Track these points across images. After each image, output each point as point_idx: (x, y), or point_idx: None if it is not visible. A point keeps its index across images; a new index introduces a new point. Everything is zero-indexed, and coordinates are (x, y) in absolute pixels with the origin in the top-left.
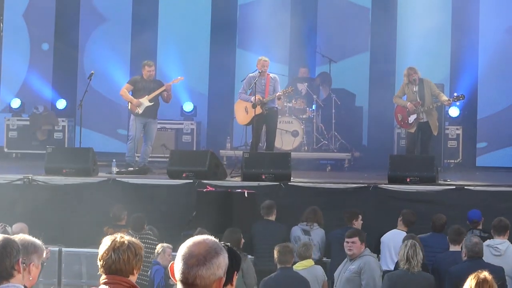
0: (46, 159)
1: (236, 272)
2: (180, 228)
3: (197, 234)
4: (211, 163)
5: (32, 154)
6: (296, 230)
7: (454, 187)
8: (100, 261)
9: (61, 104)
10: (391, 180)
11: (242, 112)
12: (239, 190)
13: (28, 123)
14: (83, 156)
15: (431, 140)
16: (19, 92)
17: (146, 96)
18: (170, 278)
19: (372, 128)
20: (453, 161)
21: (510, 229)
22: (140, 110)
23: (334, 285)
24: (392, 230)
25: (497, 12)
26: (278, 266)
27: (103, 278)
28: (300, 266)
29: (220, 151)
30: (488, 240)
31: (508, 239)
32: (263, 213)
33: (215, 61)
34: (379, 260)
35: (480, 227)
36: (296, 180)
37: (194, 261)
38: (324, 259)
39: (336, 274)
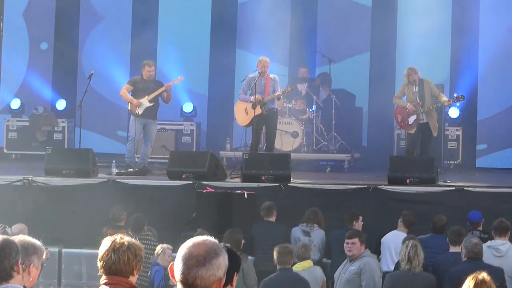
0: (46, 160)
1: (236, 273)
2: (180, 229)
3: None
4: (211, 164)
5: (31, 155)
6: (296, 231)
7: (454, 188)
8: (100, 261)
9: (61, 104)
10: (391, 181)
11: (242, 113)
12: (239, 191)
13: (27, 124)
14: (83, 157)
15: (431, 141)
16: (18, 92)
17: (146, 97)
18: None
19: (372, 129)
20: (453, 162)
21: (511, 230)
22: (140, 111)
23: (334, 286)
24: (393, 231)
25: (497, 12)
26: (278, 267)
27: (103, 279)
28: (299, 267)
29: (220, 152)
30: (489, 241)
31: (509, 240)
32: (263, 214)
33: (215, 62)
34: (379, 261)
35: (480, 228)
36: (296, 181)
37: (194, 262)
38: (325, 259)
39: (336, 275)
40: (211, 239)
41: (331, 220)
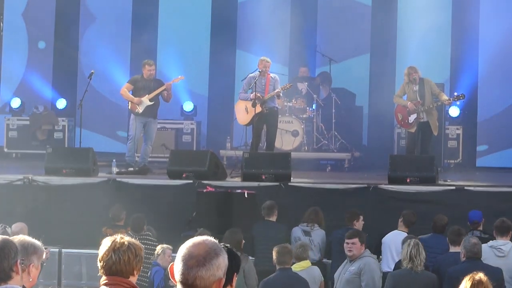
0: (46, 159)
1: (235, 273)
2: (180, 228)
3: (199, 235)
4: (211, 163)
5: (32, 154)
6: (297, 231)
7: (454, 187)
8: (100, 262)
9: (61, 103)
10: (391, 180)
11: (243, 112)
12: (239, 191)
13: (28, 123)
14: (83, 156)
15: (431, 140)
16: (17, 90)
17: (147, 96)
18: (170, 279)
19: (372, 128)
20: (453, 161)
21: None
22: (140, 109)
23: (334, 286)
24: (393, 231)
25: (497, 12)
26: (277, 267)
27: (103, 279)
28: (297, 267)
29: (220, 151)
30: (491, 241)
31: (510, 240)
32: (264, 213)
33: (215, 61)
34: (380, 261)
35: (481, 228)
36: (296, 180)
37: (193, 262)
38: (324, 260)
39: (336, 275)
40: (211, 239)
41: (331, 220)
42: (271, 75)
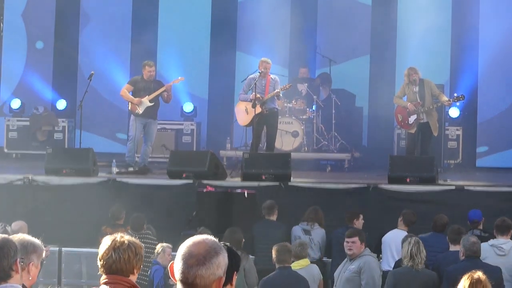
0: (46, 159)
1: (235, 272)
2: (180, 228)
3: (199, 233)
4: (211, 163)
5: (32, 154)
6: (297, 230)
7: (454, 187)
8: (100, 261)
9: (61, 104)
10: (391, 181)
11: (243, 113)
12: (239, 191)
13: (28, 123)
14: (83, 156)
15: (431, 141)
16: (16, 91)
17: (147, 96)
18: (169, 278)
19: (372, 128)
20: (453, 161)
21: None
22: (140, 110)
23: (334, 285)
24: (393, 230)
25: (497, 12)
26: (277, 266)
27: (103, 278)
28: (296, 266)
29: (220, 151)
30: (491, 240)
31: (511, 239)
32: (264, 213)
33: (215, 61)
34: (380, 260)
35: (481, 227)
36: (296, 181)
37: (193, 261)
38: (324, 258)
39: (336, 274)
40: (211, 238)
41: (331, 219)
42: (271, 76)
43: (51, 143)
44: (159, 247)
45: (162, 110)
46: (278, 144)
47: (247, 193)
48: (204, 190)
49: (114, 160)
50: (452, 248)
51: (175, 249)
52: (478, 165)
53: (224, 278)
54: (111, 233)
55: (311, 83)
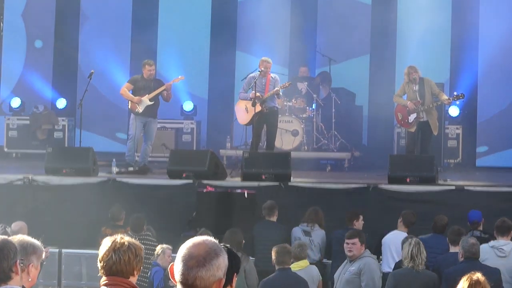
0: (46, 159)
1: (235, 273)
2: (180, 228)
3: (200, 235)
4: (211, 163)
5: (32, 153)
6: (297, 231)
7: (454, 187)
8: (100, 262)
9: (61, 103)
10: (391, 180)
11: (243, 112)
12: (239, 191)
13: (28, 122)
14: (83, 156)
15: (431, 140)
16: (15, 89)
17: (147, 95)
18: (169, 279)
19: (372, 127)
20: (453, 160)
21: None
22: (140, 109)
23: (334, 286)
24: (393, 231)
25: (497, 12)
26: (276, 267)
27: (103, 279)
28: (296, 267)
29: (220, 150)
30: (492, 241)
31: (511, 240)
32: (264, 213)
33: (215, 60)
34: (380, 262)
35: (481, 228)
36: (296, 180)
37: (193, 262)
38: (324, 260)
39: (336, 275)
40: (211, 239)
41: (331, 220)
42: (272, 75)
43: (51, 142)
44: (159, 248)
45: (162, 108)
46: (278, 143)
47: (247, 193)
48: (204, 190)
49: (114, 160)
50: (452, 249)
51: (175, 250)
52: (478, 164)
53: (224, 280)
54: (111, 234)
55: (311, 82)
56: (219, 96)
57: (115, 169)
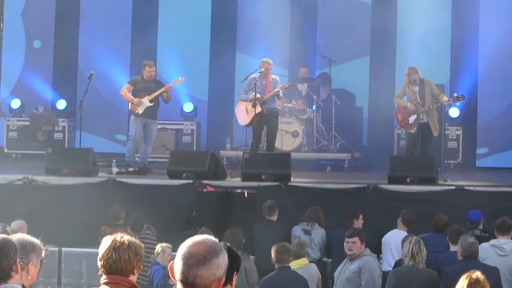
0: (46, 159)
1: (236, 272)
2: (180, 228)
3: (201, 233)
4: (211, 163)
5: (32, 154)
6: (297, 230)
7: (454, 187)
8: (100, 261)
9: (61, 104)
10: (391, 181)
11: (243, 113)
12: (239, 191)
13: (28, 123)
14: (83, 156)
15: (431, 141)
16: (14, 90)
17: (147, 97)
18: (169, 278)
19: (372, 128)
20: (453, 161)
21: None
22: (140, 110)
23: (334, 285)
24: (393, 230)
25: (497, 12)
26: (276, 266)
27: (103, 278)
28: (295, 265)
29: (220, 151)
30: (492, 240)
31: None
32: (265, 212)
33: (215, 61)
34: (380, 261)
35: (481, 227)
36: (296, 181)
37: (193, 261)
38: (324, 259)
39: (336, 274)
40: (211, 238)
41: (331, 219)
42: (272, 76)
43: (51, 143)
44: (158, 247)
45: (162, 110)
46: (278, 144)
47: (247, 193)
48: (204, 190)
49: (114, 160)
50: (453, 248)
51: (175, 249)
52: (478, 165)
53: (224, 278)
54: (110, 233)
55: (311, 83)
56: (219, 97)
57: (115, 170)
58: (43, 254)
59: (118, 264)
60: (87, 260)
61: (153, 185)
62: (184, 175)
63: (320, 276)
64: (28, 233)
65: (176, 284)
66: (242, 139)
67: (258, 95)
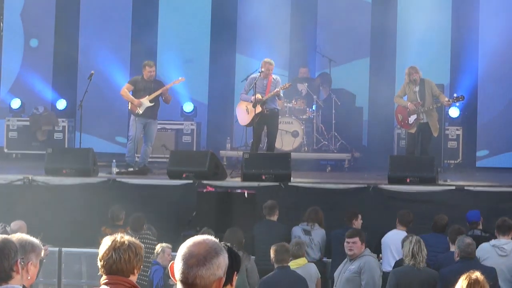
0: (46, 159)
1: (236, 272)
2: (180, 228)
3: (202, 233)
4: (211, 163)
5: (32, 154)
6: (297, 230)
7: (454, 187)
8: (100, 261)
9: (61, 104)
10: (391, 181)
11: (244, 113)
12: (239, 191)
13: (28, 123)
14: (83, 156)
15: (431, 141)
16: (12, 89)
17: (147, 97)
18: (169, 278)
19: (372, 128)
20: (453, 161)
21: None
22: (140, 111)
23: (334, 285)
24: (392, 230)
25: (497, 12)
26: (275, 266)
27: (103, 278)
28: (294, 265)
29: (220, 151)
30: (493, 240)
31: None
32: (265, 212)
33: (215, 62)
34: (380, 261)
35: (480, 227)
36: (296, 181)
37: (194, 261)
38: (324, 259)
39: (336, 274)
40: (212, 238)
41: (331, 219)
42: (273, 76)
43: (51, 143)
44: (158, 247)
45: (162, 110)
46: (278, 144)
47: (247, 193)
48: (204, 190)
49: (114, 160)
50: (453, 248)
51: (175, 249)
52: (478, 165)
53: (224, 279)
54: (110, 234)
55: (311, 83)
56: (219, 98)
57: (115, 170)
58: (42, 254)
59: (118, 264)
60: (87, 260)
61: (153, 185)
62: (184, 175)
63: (319, 276)
64: (28, 233)
65: (176, 284)
66: (242, 139)
67: (258, 95)
